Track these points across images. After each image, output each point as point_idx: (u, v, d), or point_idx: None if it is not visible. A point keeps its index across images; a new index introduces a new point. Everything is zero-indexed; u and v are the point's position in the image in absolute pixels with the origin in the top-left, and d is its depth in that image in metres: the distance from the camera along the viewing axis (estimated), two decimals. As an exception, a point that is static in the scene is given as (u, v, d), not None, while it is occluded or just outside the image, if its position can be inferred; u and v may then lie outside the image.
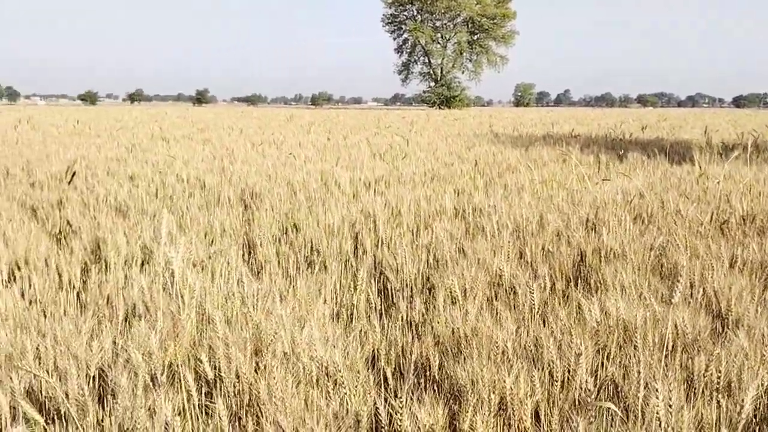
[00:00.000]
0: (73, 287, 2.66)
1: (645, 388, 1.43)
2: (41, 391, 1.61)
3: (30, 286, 2.62)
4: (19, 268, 2.71)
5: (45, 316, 2.22)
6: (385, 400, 1.27)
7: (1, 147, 8.07)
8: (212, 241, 3.24)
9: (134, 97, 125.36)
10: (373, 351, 1.84)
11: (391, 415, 1.29)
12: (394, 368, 1.82)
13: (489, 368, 1.47)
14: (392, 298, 2.62)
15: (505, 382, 1.44)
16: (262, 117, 23.13)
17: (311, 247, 3.31)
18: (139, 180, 5.16)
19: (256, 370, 1.57)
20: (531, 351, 1.66)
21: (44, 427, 1.41)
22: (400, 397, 1.19)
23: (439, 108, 49.03)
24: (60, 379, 1.55)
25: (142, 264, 3.04)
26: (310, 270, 3.02)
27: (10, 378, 1.61)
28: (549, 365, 1.55)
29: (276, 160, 6.62)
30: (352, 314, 2.47)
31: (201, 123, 16.68)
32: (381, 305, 2.53)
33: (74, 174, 3.63)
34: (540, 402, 1.49)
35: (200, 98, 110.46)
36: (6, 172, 5.62)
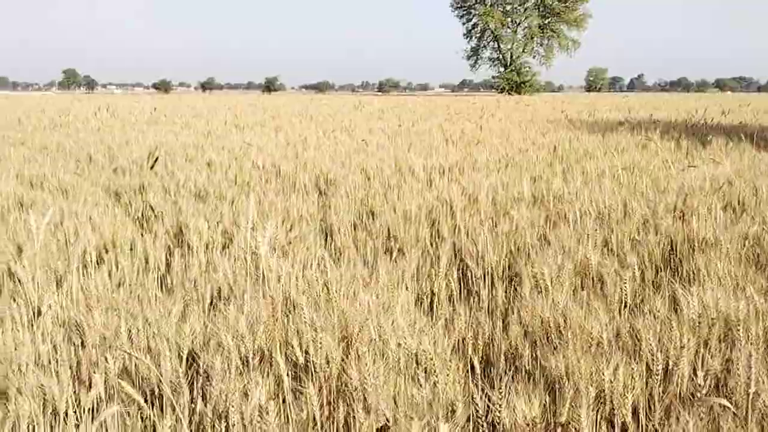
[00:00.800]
0: (159, 270, 2.72)
1: (755, 384, 1.36)
2: (135, 373, 1.65)
3: (117, 268, 2.69)
4: (106, 251, 2.79)
5: (134, 299, 2.28)
6: (480, 389, 1.24)
7: (84, 134, 8.38)
8: (291, 227, 3.26)
9: (206, 86, 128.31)
10: (460, 339, 1.80)
11: (487, 406, 1.25)
12: (481, 357, 1.78)
13: (586, 359, 1.41)
14: (473, 286, 2.58)
15: (603, 374, 1.38)
16: (331, 104, 23.30)
17: (388, 234, 3.29)
18: (216, 166, 5.25)
19: (345, 356, 1.56)
20: (627, 342, 1.60)
21: (142, 407, 1.44)
22: (500, 388, 1.16)
23: (509, 94, 48.31)
24: (154, 361, 1.57)
25: (223, 248, 3.08)
26: (389, 257, 3.01)
27: (105, 359, 1.65)
28: (648, 358, 1.48)
29: (348, 147, 6.63)
30: (432, 302, 2.45)
31: (272, 110, 16.92)
32: (462, 293, 2.49)
33: (156, 159, 3.71)
34: (640, 396, 1.43)
35: (270, 86, 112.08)
36: (89, 158, 5.82)
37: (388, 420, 1.03)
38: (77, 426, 1.44)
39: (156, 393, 1.53)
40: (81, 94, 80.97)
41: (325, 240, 3.32)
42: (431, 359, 1.44)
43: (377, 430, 0.99)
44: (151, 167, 3.83)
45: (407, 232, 3.21)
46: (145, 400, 1.59)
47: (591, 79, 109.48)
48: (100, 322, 1.86)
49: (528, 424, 1.13)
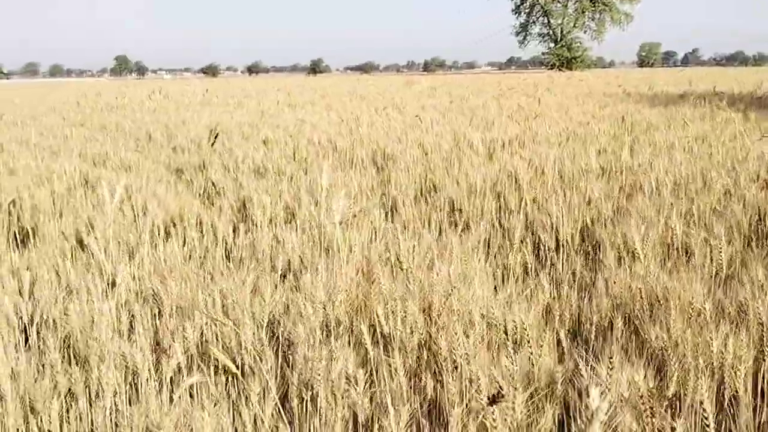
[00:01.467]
0: (226, 243, 2.71)
1: None
2: (215, 342, 1.62)
3: (185, 243, 2.69)
4: (174, 225, 2.79)
5: (205, 270, 2.26)
6: (584, 360, 1.16)
7: (141, 114, 8.49)
8: (354, 200, 3.21)
9: (252, 69, 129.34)
10: (545, 311, 1.73)
11: (590, 377, 1.18)
12: (568, 330, 1.70)
13: (692, 330, 1.33)
14: (547, 259, 2.49)
15: (711, 345, 1.29)
16: (377, 83, 23.17)
17: (452, 207, 3.21)
18: (272, 143, 5.24)
19: (428, 326, 1.50)
20: (731, 313, 1.50)
21: (228, 371, 1.40)
22: (610, 358, 1.08)
23: (560, 70, 47.25)
24: (235, 329, 1.54)
25: (287, 222, 3.05)
26: (454, 230, 2.93)
27: (183, 328, 1.62)
28: (759, 328, 1.38)
29: (402, 123, 6.55)
30: (507, 274, 2.37)
31: (320, 90, 16.90)
32: (537, 265, 2.41)
33: (217, 136, 3.70)
34: (752, 368, 1.33)
35: (315, 68, 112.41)
36: (149, 137, 5.87)
37: (500, 388, 0.97)
38: (159, 393, 1.42)
39: (238, 363, 1.50)
40: (132, 79, 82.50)
41: (387, 214, 3.26)
42: (523, 329, 1.37)
43: (489, 398, 0.92)
44: (212, 144, 3.83)
45: (472, 205, 3.13)
46: (225, 371, 1.56)
47: (643, 54, 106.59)
48: (176, 293, 1.84)
49: (641, 397, 1.05)
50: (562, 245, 2.50)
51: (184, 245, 2.65)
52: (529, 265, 2.33)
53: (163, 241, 2.58)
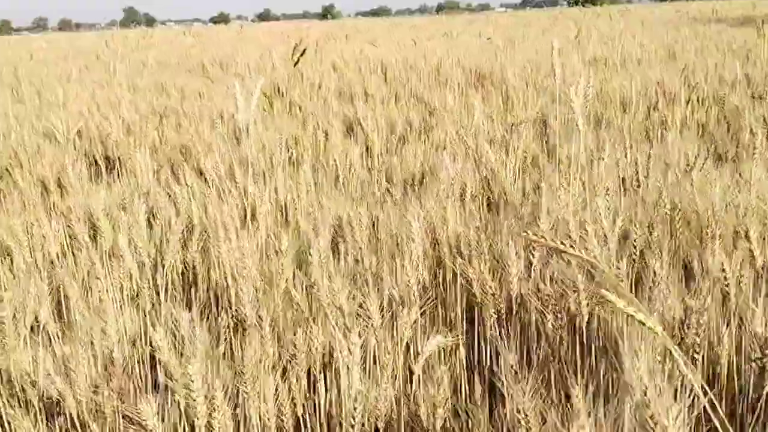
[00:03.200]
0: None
1: None
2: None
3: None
4: (296, 143, 2.31)
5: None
6: None
7: (180, 50, 7.93)
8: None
9: (263, 17, 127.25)
10: None
11: None
12: None
13: None
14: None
15: None
16: (394, 27, 22.30)
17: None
18: (343, 69, 4.72)
19: None
20: None
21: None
22: None
23: (583, 6, 45.79)
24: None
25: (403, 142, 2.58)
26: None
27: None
28: None
29: (469, 49, 5.97)
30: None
31: (344, 31, 16.17)
32: None
33: (303, 53, 3.20)
34: None
35: (326, 14, 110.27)
36: (202, 68, 5.37)
37: None
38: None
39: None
40: (141, 30, 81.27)
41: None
42: None
43: None
44: (295, 64, 3.32)
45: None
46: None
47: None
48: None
49: None
50: None
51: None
52: None
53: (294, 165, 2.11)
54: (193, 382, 0.70)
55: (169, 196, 1.60)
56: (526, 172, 1.83)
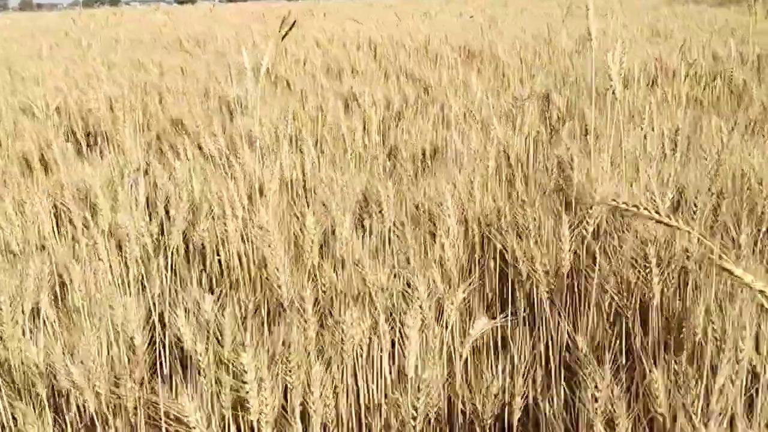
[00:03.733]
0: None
1: None
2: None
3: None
4: (294, 119, 2.21)
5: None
6: None
7: (151, 28, 7.70)
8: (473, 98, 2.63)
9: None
10: None
11: None
12: None
13: None
14: None
15: None
16: (368, 8, 22.05)
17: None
18: (327, 46, 4.60)
19: None
20: None
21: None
22: None
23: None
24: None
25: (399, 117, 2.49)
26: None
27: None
28: None
29: (452, 28, 5.88)
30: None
31: (318, 10, 15.92)
32: None
33: (293, 26, 3.07)
34: None
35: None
36: (179, 44, 5.20)
37: None
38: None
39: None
40: (106, 10, 79.44)
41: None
42: None
43: None
44: (283, 38, 3.20)
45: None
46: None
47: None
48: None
49: None
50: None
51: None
52: None
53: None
54: (246, 372, 0.61)
55: (170, 176, 1.49)
56: (544, 146, 1.76)
